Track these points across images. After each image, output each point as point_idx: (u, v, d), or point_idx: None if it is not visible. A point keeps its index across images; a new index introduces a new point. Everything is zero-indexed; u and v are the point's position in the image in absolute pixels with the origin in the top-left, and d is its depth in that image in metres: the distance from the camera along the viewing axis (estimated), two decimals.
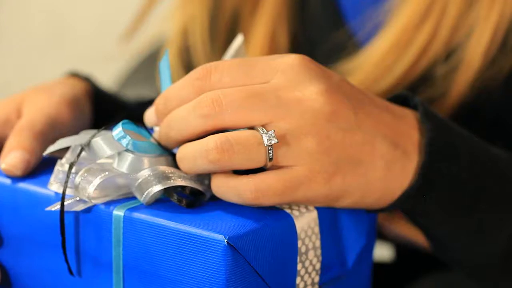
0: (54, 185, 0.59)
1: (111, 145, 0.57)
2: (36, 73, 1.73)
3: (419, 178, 0.58)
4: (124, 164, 0.57)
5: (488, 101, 0.76)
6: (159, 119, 0.59)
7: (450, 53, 0.76)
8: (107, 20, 1.67)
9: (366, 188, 0.57)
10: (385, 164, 0.57)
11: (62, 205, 0.57)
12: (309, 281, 0.57)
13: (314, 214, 0.57)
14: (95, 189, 0.56)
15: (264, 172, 0.55)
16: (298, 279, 0.56)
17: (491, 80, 0.75)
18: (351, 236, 0.60)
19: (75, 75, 0.73)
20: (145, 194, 0.56)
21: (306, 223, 0.56)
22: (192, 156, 0.55)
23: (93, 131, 0.60)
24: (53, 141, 0.65)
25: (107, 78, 0.99)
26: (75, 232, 0.57)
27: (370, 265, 0.64)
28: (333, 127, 0.55)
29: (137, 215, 0.55)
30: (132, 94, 0.87)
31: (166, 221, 0.54)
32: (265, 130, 0.54)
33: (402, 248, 0.88)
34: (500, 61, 0.74)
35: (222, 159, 0.54)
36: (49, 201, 0.59)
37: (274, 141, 0.54)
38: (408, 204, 0.59)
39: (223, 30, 0.87)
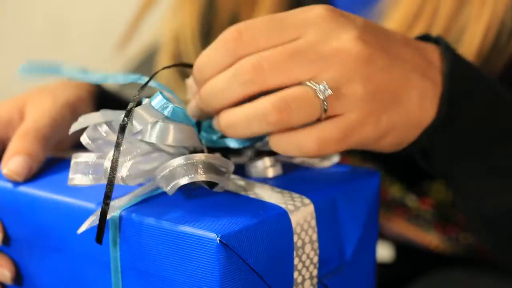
0: (76, 179, 0.56)
1: (152, 113, 0.55)
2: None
3: (445, 105, 0.60)
4: (153, 134, 0.56)
5: None
6: (199, 87, 0.58)
7: None
8: (107, 20, 1.68)
9: (407, 122, 0.59)
10: (419, 95, 0.59)
11: (107, 203, 0.54)
12: (307, 275, 0.57)
13: (310, 207, 0.57)
14: (128, 170, 0.55)
15: (321, 123, 0.56)
16: (295, 274, 0.56)
17: None
18: (349, 227, 0.60)
19: None
20: (172, 185, 0.55)
21: (302, 217, 0.56)
22: (245, 121, 0.55)
23: (113, 111, 0.57)
24: (54, 144, 0.66)
25: None
26: (73, 233, 0.57)
27: (373, 255, 0.64)
28: (373, 69, 0.56)
29: (132, 216, 0.55)
30: (130, 96, 0.87)
31: (160, 221, 0.54)
32: (315, 84, 0.55)
33: (402, 248, 0.88)
34: (492, 61, 0.74)
35: (282, 119, 0.54)
36: (48, 204, 0.59)
37: (328, 92, 0.55)
38: (433, 135, 0.60)
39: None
